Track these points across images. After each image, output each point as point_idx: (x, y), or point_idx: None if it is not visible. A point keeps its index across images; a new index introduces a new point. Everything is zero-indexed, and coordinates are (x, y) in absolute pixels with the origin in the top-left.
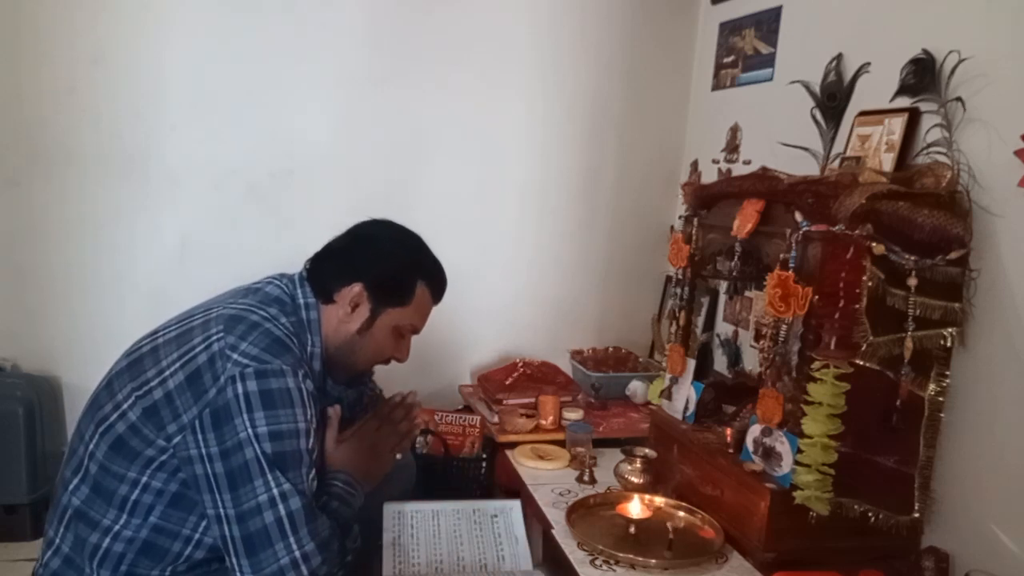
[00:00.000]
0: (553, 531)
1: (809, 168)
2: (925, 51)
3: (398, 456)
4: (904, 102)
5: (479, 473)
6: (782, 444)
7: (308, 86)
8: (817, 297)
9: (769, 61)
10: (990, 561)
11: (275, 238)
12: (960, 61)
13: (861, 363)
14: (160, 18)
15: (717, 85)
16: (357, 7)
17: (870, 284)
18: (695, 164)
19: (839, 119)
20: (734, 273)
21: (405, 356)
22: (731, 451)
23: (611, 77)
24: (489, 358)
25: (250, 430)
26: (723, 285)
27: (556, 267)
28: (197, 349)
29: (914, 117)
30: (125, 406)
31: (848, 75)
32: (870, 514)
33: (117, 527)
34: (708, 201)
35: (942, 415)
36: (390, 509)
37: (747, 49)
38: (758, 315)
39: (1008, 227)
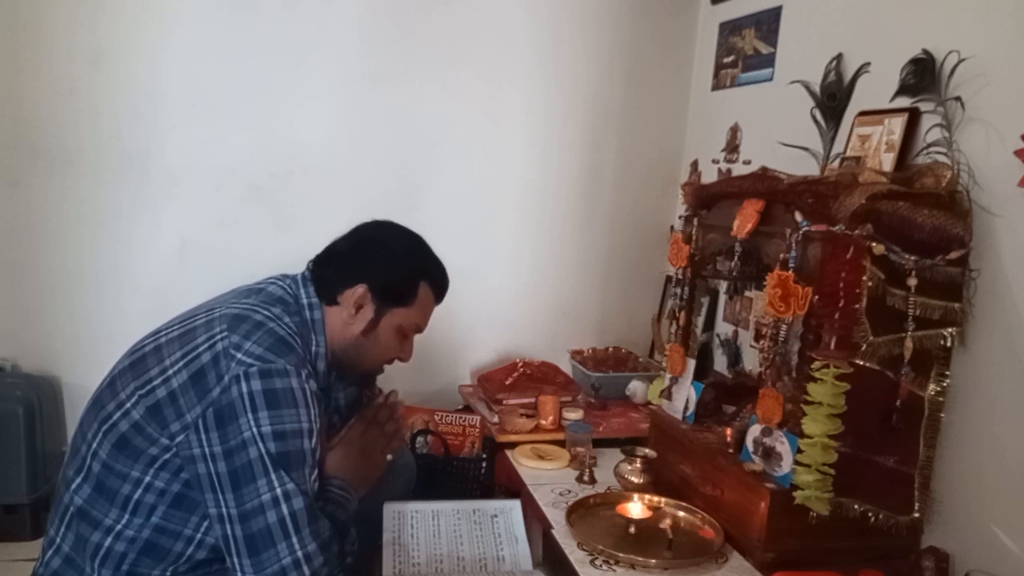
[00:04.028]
0: (553, 531)
1: (809, 168)
2: (925, 51)
3: (389, 457)
4: (904, 102)
5: (479, 473)
6: (782, 444)
7: (308, 86)
8: (817, 297)
9: (769, 61)
10: (990, 561)
11: (275, 238)
12: (960, 61)
13: (861, 363)
14: (160, 18)
15: (717, 85)
16: (357, 7)
17: (870, 284)
18: (695, 164)
19: (839, 119)
20: (734, 273)
21: (409, 356)
22: (731, 451)
23: (611, 77)
24: (489, 358)
25: (254, 429)
26: (723, 285)
27: (556, 267)
28: (201, 348)
29: (914, 117)
30: (128, 404)
31: (848, 75)
32: (870, 514)
33: (119, 527)
34: (708, 201)
35: (942, 415)
36: (390, 509)
37: (747, 49)
38: (758, 315)
39: (1008, 227)
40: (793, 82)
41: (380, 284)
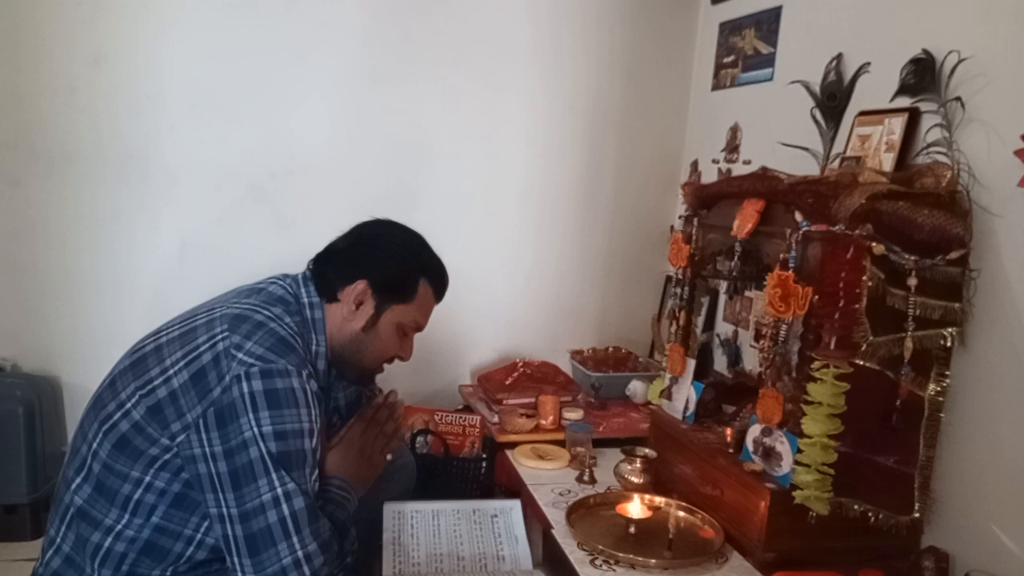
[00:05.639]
0: (553, 531)
1: (809, 168)
2: (925, 51)
3: (388, 457)
4: (904, 102)
5: (479, 473)
6: (782, 444)
7: (308, 86)
8: (817, 297)
9: (769, 61)
10: (990, 561)
11: (275, 238)
12: (960, 61)
13: (861, 363)
14: (160, 18)
15: (717, 85)
16: (357, 7)
17: (870, 284)
18: (695, 164)
19: (839, 119)
20: (734, 273)
21: (409, 354)
22: (731, 451)
23: (611, 77)
24: (489, 358)
25: (255, 429)
26: (723, 285)
27: (556, 267)
28: (201, 348)
29: (914, 117)
30: (129, 404)
31: (848, 75)
32: (870, 514)
33: (119, 527)
34: (708, 201)
35: (942, 415)
36: (390, 509)
37: (747, 49)
38: (758, 315)
39: (1008, 227)
40: (793, 82)
41: (380, 280)
